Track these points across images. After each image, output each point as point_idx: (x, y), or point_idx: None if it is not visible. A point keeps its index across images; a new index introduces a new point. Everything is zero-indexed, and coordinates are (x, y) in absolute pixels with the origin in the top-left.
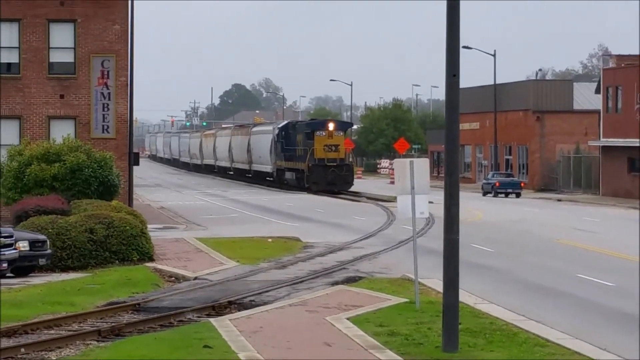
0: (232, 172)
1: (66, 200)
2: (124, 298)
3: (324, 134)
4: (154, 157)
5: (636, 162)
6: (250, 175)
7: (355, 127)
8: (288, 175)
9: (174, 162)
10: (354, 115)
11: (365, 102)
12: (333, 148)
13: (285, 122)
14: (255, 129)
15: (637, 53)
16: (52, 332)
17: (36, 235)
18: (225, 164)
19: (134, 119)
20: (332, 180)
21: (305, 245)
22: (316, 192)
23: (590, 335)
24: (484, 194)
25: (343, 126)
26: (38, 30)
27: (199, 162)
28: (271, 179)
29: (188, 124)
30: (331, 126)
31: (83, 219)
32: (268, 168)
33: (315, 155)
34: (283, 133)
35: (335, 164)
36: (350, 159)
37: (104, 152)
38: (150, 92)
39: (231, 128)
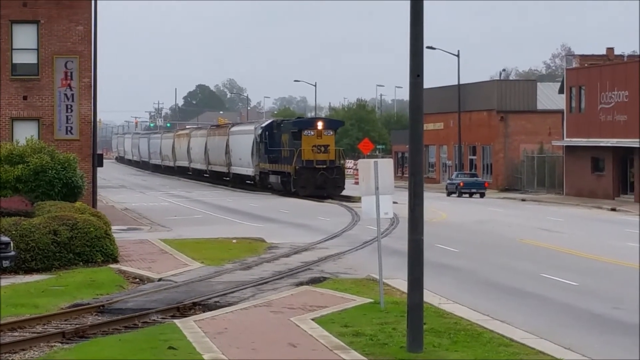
0: (207, 175)
1: (30, 201)
2: (88, 300)
3: (312, 133)
4: (121, 159)
5: (599, 162)
6: (228, 179)
7: None
8: (272, 178)
9: (143, 165)
10: (318, 115)
11: (330, 103)
12: (322, 149)
13: (269, 120)
14: (234, 128)
15: (600, 53)
16: (16, 334)
17: None
18: (200, 166)
19: (98, 120)
20: (321, 184)
21: (269, 246)
22: (304, 197)
23: (555, 335)
24: (448, 194)
25: (333, 125)
26: (1, 32)
27: (171, 164)
28: (252, 182)
29: (152, 125)
30: (320, 125)
31: (47, 220)
32: (249, 171)
33: (303, 157)
34: (267, 133)
35: (324, 166)
36: (342, 161)
37: (67, 153)
38: (114, 93)
39: (207, 128)
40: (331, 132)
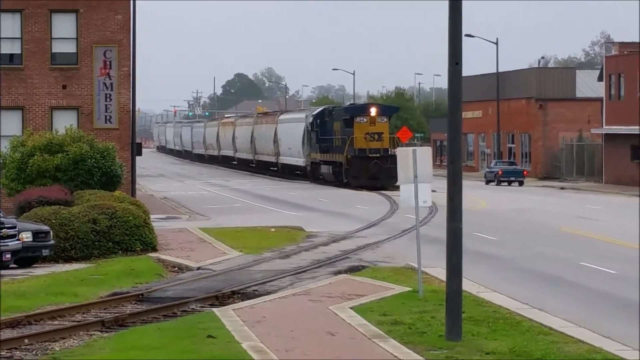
0: (254, 165)
1: (69, 190)
2: (127, 288)
3: (365, 120)
4: (163, 149)
5: (639, 150)
6: (275, 169)
7: None
8: (324, 169)
9: (185, 154)
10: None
11: (368, 91)
12: (376, 136)
13: (321, 108)
14: (283, 116)
15: (639, 41)
16: (56, 322)
17: (39, 226)
18: (246, 156)
19: (137, 109)
20: (375, 174)
21: (308, 234)
22: (356, 188)
23: (594, 323)
24: (487, 182)
25: (387, 111)
26: (40, 21)
27: (215, 153)
28: (301, 172)
29: (191, 114)
30: (373, 111)
31: (86, 209)
32: (300, 161)
33: (355, 145)
34: (318, 121)
35: (378, 154)
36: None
37: (106, 142)
38: (153, 82)
39: (254, 116)
40: (385, 119)
